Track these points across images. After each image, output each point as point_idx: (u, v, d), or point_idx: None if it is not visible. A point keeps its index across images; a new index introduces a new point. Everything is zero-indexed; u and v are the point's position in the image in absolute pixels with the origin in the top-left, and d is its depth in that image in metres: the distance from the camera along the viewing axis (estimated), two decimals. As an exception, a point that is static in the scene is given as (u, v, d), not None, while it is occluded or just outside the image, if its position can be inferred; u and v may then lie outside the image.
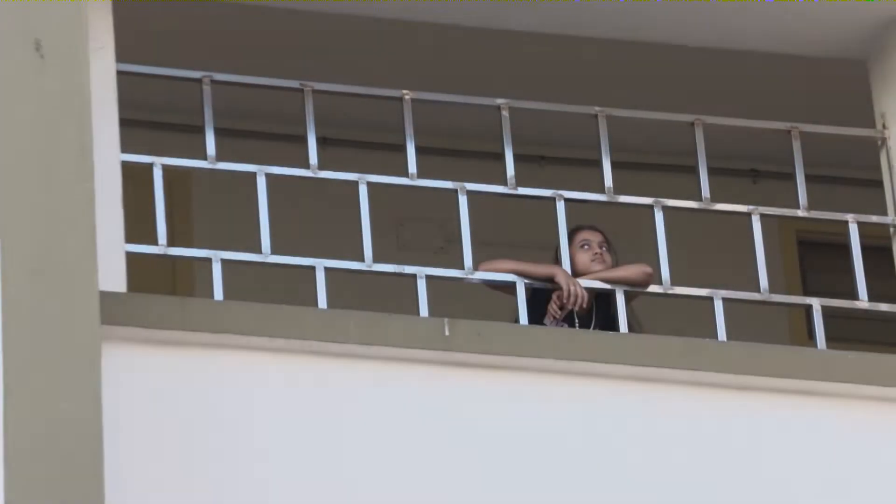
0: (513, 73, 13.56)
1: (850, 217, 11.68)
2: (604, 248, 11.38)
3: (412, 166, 11.37)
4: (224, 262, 10.90)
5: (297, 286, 11.46)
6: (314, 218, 13.39)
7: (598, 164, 11.69)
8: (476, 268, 11.14)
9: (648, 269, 11.30)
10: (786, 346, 12.54)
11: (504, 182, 11.33)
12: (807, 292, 13.53)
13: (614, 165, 11.70)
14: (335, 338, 10.55)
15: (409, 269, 11.12)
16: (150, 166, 10.94)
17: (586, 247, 11.40)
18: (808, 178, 11.86)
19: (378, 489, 10.66)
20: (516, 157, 11.49)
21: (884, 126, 11.91)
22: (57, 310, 9.79)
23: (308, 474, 11.08)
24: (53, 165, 10.03)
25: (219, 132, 11.26)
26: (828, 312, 11.56)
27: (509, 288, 11.24)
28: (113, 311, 10.02)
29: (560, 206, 11.32)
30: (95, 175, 10.10)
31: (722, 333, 11.13)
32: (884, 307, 11.70)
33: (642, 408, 10.71)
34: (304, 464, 10.94)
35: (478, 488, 10.61)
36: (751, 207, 11.68)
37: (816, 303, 11.63)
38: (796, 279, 14.27)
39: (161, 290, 11.54)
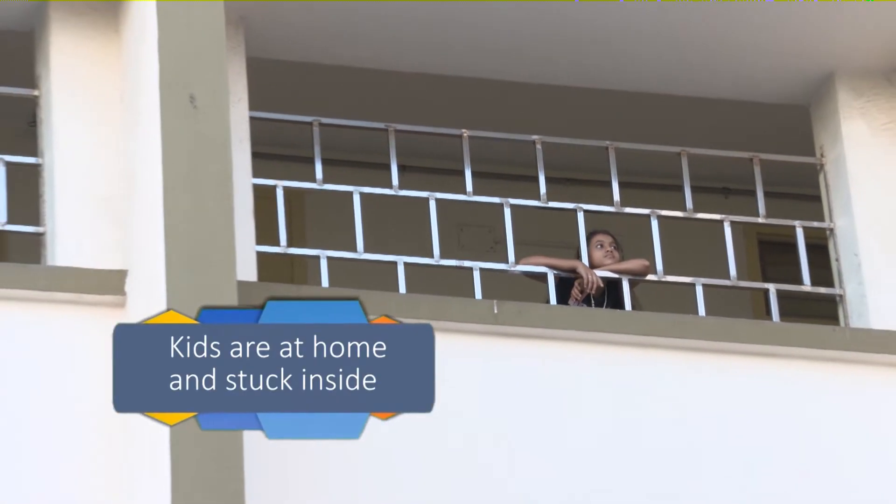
0: (545, 113, 13.02)
1: (797, 223, 11.71)
2: (613, 247, 11.51)
3: (469, 186, 11.40)
4: (329, 258, 11.06)
5: (383, 277, 11.78)
6: (395, 225, 12.71)
7: (608, 184, 11.78)
8: (517, 262, 11.23)
9: (647, 263, 11.48)
10: (749, 319, 12.56)
11: (538, 197, 11.53)
12: (765, 279, 13.15)
13: (621, 185, 11.73)
14: (411, 316, 10.47)
15: (466, 264, 11.31)
16: (273, 187, 11.15)
17: (600, 246, 11.51)
18: (767, 194, 11.86)
19: (447, 426, 10.45)
20: (547, 179, 11.61)
21: (822, 155, 11.95)
22: (206, 295, 9.61)
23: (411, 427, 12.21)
24: (203, 187, 10.13)
25: (325, 161, 11.80)
26: (781, 294, 11.68)
27: (542, 277, 11.37)
28: (247, 296, 9.97)
29: (580, 216, 11.43)
30: (234, 194, 10.21)
31: (702, 310, 11.24)
32: (822, 290, 11.72)
33: (642, 366, 10.75)
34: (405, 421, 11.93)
35: (523, 426, 10.58)
36: (723, 216, 11.80)
37: (772, 287, 11.80)
38: (757, 270, 13.86)
39: (282, 280, 11.36)
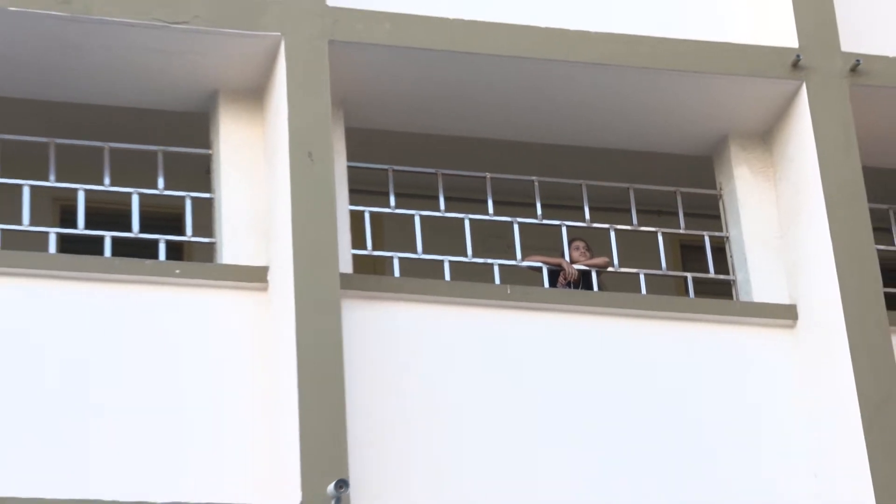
0: (540, 161, 13.80)
1: (705, 233, 13.08)
2: (585, 249, 12.75)
3: (490, 209, 12.71)
4: (399, 258, 12.32)
5: (435, 269, 12.55)
6: (442, 235, 13.05)
7: (582, 208, 13.06)
8: (522, 259, 12.65)
9: (608, 259, 12.75)
10: (674, 296, 13.75)
11: (536, 217, 12.78)
12: (685, 270, 13.92)
13: (590, 209, 12.99)
14: (452, 294, 12.02)
15: (489, 261, 12.53)
16: (363, 211, 12.26)
17: (577, 249, 12.72)
18: (686, 214, 13.28)
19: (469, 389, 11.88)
20: (542, 205, 12.87)
21: (720, 188, 13.28)
22: (319, 282, 11.20)
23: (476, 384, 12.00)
24: (318, 212, 11.47)
25: (396, 194, 12.48)
26: (695, 280, 13.02)
27: (538, 270, 12.66)
28: (347, 283, 11.53)
29: (564, 229, 12.77)
30: (337, 216, 11.59)
31: (643, 290, 12.71)
32: (721, 277, 12.98)
33: (607, 329, 12.20)
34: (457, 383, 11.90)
35: (524, 381, 11.90)
36: (657, 229, 13.12)
37: (689, 275, 13.10)
38: (679, 264, 14.66)
39: (368, 273, 12.56)
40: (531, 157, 13.73)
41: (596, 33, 12.69)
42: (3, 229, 11.67)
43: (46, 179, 11.94)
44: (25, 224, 11.61)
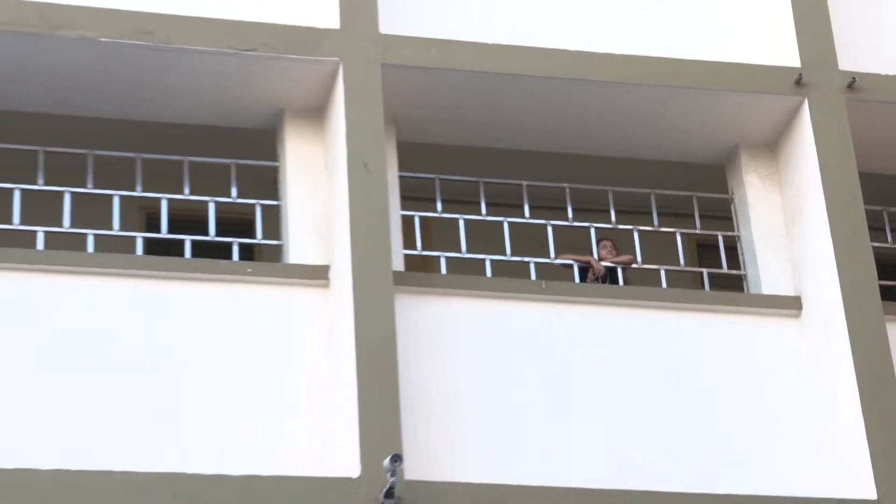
0: (570, 169, 13.63)
1: (719, 233, 13.30)
2: (612, 248, 13.08)
3: (527, 213, 12.87)
4: (445, 257, 12.52)
5: (477, 267, 12.78)
6: (483, 237, 13.11)
7: (607, 211, 13.19)
8: (556, 257, 12.93)
9: (632, 257, 13.05)
10: (692, 289, 13.50)
11: (567, 219, 12.99)
12: (700, 266, 13.89)
13: (616, 212, 13.23)
14: (494, 290, 12.20)
15: (526, 259, 12.72)
16: (412, 216, 12.51)
17: (604, 247, 13.01)
18: (701, 216, 13.48)
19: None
20: (573, 209, 13.05)
21: (732, 193, 13.42)
22: (374, 278, 11.33)
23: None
24: (373, 215, 11.71)
25: (442, 200, 12.70)
26: (710, 275, 13.20)
27: (570, 267, 13.00)
28: (400, 280, 11.74)
29: (592, 230, 13.07)
30: (391, 220, 11.81)
31: (664, 284, 12.91)
32: (733, 272, 13.23)
33: (631, 319, 12.41)
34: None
35: (557, 366, 12.17)
36: (675, 229, 13.37)
37: (705, 271, 13.25)
38: (696, 260, 14.55)
39: (417, 270, 12.56)
40: (562, 166, 13.78)
41: (619, 55, 12.85)
42: (95, 235, 11.86)
43: (134, 190, 12.17)
44: (116, 230, 11.92)
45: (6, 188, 12.06)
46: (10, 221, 12.02)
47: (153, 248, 12.44)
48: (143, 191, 12.17)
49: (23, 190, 12.05)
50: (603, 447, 11.80)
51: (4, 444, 10.75)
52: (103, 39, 11.69)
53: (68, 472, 10.61)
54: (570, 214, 13.00)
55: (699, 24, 13.75)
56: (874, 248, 13.04)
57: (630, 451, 11.84)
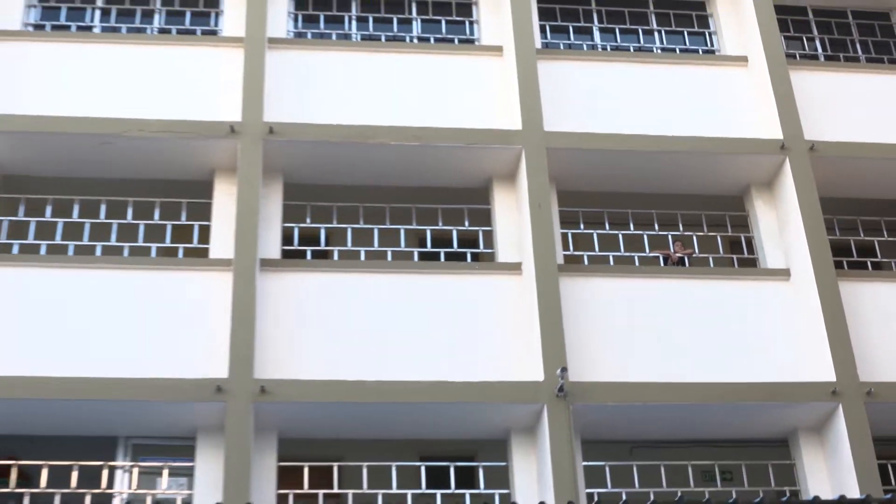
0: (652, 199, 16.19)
1: (741, 235, 15.86)
2: (681, 245, 15.84)
3: (656, 228, 15.65)
4: (592, 255, 15.22)
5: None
6: (628, 243, 15.86)
7: (677, 224, 15.88)
8: (651, 252, 15.66)
9: (693, 250, 15.80)
10: (726, 266, 16.12)
11: (654, 230, 15.62)
12: (732, 253, 16.18)
13: (683, 224, 15.97)
14: (626, 272, 15.16)
15: (642, 254, 15.57)
16: (566, 233, 15.21)
17: (677, 244, 15.78)
18: (732, 225, 16.14)
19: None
20: (659, 224, 15.83)
21: (748, 212, 16.05)
22: (545, 270, 14.36)
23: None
24: (542, 235, 14.62)
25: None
26: (738, 259, 15.72)
27: (658, 257, 15.75)
28: (561, 269, 14.61)
29: (669, 236, 15.98)
30: (555, 236, 14.82)
31: (711, 265, 15.84)
32: (750, 256, 15.85)
33: (691, 285, 15.17)
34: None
35: (659, 318, 14.79)
36: (716, 233, 16.10)
37: (735, 257, 15.61)
38: (729, 250, 16.57)
39: (573, 263, 15.11)
40: (651, 200, 16.42)
41: (671, 137, 15.90)
42: (392, 251, 15.37)
43: (411, 224, 15.60)
44: (402, 247, 15.47)
45: (365, 228, 15.36)
46: (372, 245, 15.31)
47: (424, 257, 15.72)
48: (416, 224, 15.64)
49: (354, 229, 15.50)
50: (682, 358, 14.29)
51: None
52: (392, 143, 15.42)
53: (365, 381, 13.74)
54: (656, 227, 16.13)
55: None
56: (844, 238, 15.70)
57: (686, 360, 14.41)
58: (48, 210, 15.33)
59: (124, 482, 13.85)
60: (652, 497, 13.50)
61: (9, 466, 13.62)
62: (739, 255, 16.01)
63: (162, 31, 16.75)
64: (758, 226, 16.00)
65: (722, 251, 16.14)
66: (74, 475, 13.47)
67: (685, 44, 17.49)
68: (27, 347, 13.65)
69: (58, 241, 14.94)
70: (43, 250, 14.96)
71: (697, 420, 14.34)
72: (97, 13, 16.78)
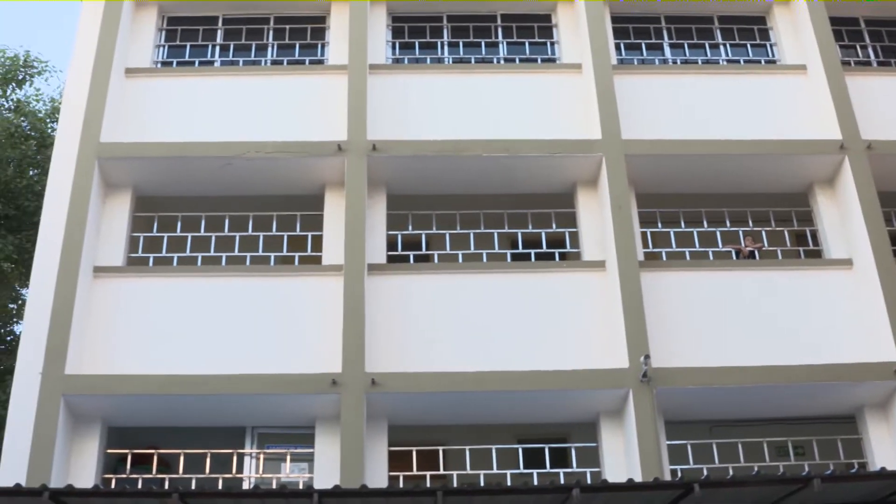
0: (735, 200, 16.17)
1: (807, 228, 15.63)
2: (752, 240, 15.74)
3: (728, 224, 15.46)
4: (671, 252, 15.43)
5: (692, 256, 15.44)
6: (705, 239, 15.90)
7: (746, 221, 15.86)
8: (723, 246, 15.69)
9: (762, 244, 15.70)
10: (793, 258, 15.86)
11: (726, 226, 15.68)
12: (798, 245, 16.09)
13: (753, 220, 15.89)
14: (704, 266, 15.22)
15: (715, 249, 15.56)
16: (646, 231, 15.38)
17: (748, 238, 15.69)
18: (798, 220, 15.98)
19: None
20: (730, 220, 15.75)
21: (812, 207, 15.96)
22: (628, 266, 14.44)
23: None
24: (623, 234, 14.66)
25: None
26: (805, 251, 15.83)
27: (730, 251, 15.67)
28: (642, 266, 14.64)
29: (741, 231, 15.87)
30: (635, 235, 14.72)
31: (779, 257, 15.64)
32: (815, 248, 15.78)
33: (761, 275, 15.04)
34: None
35: (743, 299, 14.71)
36: (784, 228, 15.97)
37: (801, 249, 15.58)
38: (795, 243, 16.29)
39: (652, 260, 15.13)
40: (731, 199, 16.45)
41: (739, 141, 15.82)
42: (487, 253, 15.62)
43: (503, 228, 15.70)
44: (496, 249, 15.73)
45: (462, 233, 15.70)
46: (468, 248, 15.64)
47: (517, 258, 16.11)
48: (508, 228, 15.97)
49: (452, 234, 15.89)
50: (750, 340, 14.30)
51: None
52: (484, 155, 15.53)
53: (466, 372, 14.01)
54: (727, 223, 16.23)
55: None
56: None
57: (750, 341, 14.32)
58: (178, 226, 15.92)
59: (252, 468, 14.38)
60: (731, 472, 13.68)
61: (151, 455, 14.23)
62: (805, 248, 16.15)
63: (274, 62, 17.30)
64: (821, 220, 16.05)
65: (789, 244, 16.25)
66: (208, 462, 14.06)
67: (748, 55, 17.56)
68: (163, 349, 14.16)
69: (188, 253, 15.53)
70: (175, 262, 15.55)
71: (771, 400, 14.40)
72: (217, 49, 17.44)
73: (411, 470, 14.14)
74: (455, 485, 13.02)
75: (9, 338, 22.89)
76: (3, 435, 13.76)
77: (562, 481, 13.83)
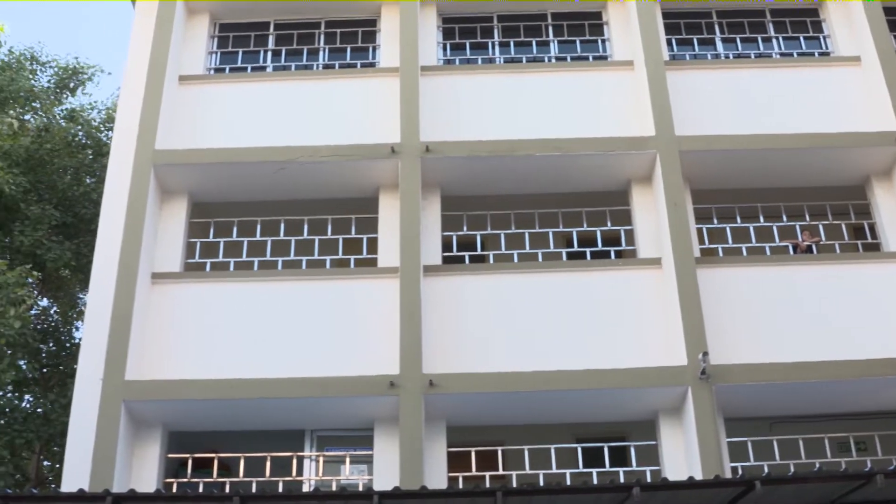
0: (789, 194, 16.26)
1: (864, 222, 15.78)
2: (809, 234, 15.76)
3: (784, 219, 15.69)
4: (728, 247, 15.35)
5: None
6: (760, 234, 15.97)
7: (803, 215, 15.87)
8: (780, 241, 15.69)
9: (819, 238, 15.65)
10: (851, 252, 16.09)
11: (782, 221, 15.75)
12: (857, 239, 16.14)
13: (810, 214, 15.89)
14: (758, 262, 14.99)
15: (772, 244, 15.79)
16: (701, 228, 15.40)
17: (805, 232, 15.70)
18: (855, 213, 16.03)
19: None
20: (787, 216, 15.78)
21: (869, 200, 15.88)
22: (681, 263, 14.38)
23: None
24: (679, 231, 14.63)
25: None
26: (863, 244, 15.96)
27: (787, 246, 15.73)
28: (698, 261, 14.54)
29: (797, 226, 15.84)
30: (691, 232, 14.72)
31: (837, 251, 15.75)
32: (873, 241, 15.84)
33: (818, 268, 15.04)
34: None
35: (796, 290, 14.66)
36: (841, 221, 16.07)
37: (859, 243, 15.73)
38: (854, 236, 16.39)
39: (711, 255, 15.20)
40: (787, 193, 16.58)
41: (793, 134, 15.83)
42: (543, 252, 15.74)
43: (558, 227, 15.84)
44: (551, 248, 15.79)
45: (517, 233, 15.89)
46: (523, 247, 15.79)
47: (573, 257, 16.21)
48: (563, 227, 16.06)
49: (506, 234, 16.04)
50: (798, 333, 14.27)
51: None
52: (537, 154, 15.77)
53: (524, 372, 14.03)
54: (784, 218, 16.38)
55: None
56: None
57: (806, 330, 14.30)
58: (234, 231, 16.19)
59: (311, 470, 14.49)
60: (792, 469, 13.74)
61: (211, 459, 14.45)
62: (863, 241, 16.25)
63: (326, 66, 17.48)
64: (879, 212, 16.07)
65: (846, 237, 16.36)
66: (268, 465, 14.12)
67: (801, 48, 17.66)
68: (221, 353, 14.36)
69: (244, 258, 15.74)
70: (231, 267, 15.80)
71: (831, 396, 14.38)
72: (269, 55, 17.66)
73: (470, 470, 14.20)
74: (514, 485, 13.17)
75: (68, 344, 23.26)
76: (66, 440, 13.94)
77: (621, 480, 13.82)
